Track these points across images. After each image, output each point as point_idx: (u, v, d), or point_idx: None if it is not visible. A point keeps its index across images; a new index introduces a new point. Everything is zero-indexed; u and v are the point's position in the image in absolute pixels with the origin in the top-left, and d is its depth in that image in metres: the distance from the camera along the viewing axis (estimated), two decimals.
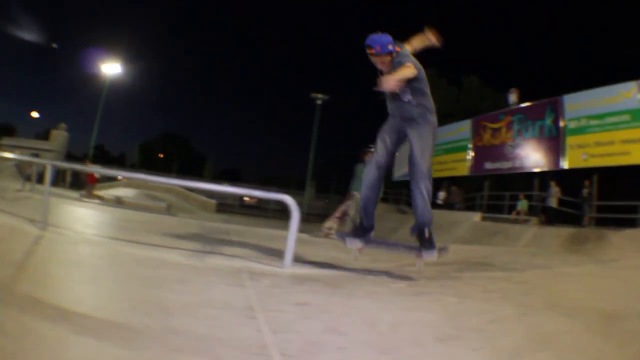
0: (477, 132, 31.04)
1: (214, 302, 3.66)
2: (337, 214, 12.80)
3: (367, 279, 5.95)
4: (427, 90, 6.62)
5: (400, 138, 6.52)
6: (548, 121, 25.96)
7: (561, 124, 25.07)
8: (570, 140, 24.47)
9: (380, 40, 6.07)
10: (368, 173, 6.39)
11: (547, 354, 3.37)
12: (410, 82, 6.19)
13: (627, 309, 5.29)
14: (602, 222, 21.24)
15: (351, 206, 12.06)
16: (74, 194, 21.11)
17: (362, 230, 6.40)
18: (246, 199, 58.93)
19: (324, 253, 8.09)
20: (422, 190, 6.26)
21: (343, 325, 3.46)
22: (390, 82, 5.57)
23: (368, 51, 6.14)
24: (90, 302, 3.32)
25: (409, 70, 5.94)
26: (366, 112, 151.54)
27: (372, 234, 6.57)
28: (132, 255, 5.26)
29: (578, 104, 24.34)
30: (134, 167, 79.78)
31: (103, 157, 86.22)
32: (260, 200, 55.74)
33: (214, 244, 7.28)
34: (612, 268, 11.21)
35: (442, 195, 31.25)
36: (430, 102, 6.67)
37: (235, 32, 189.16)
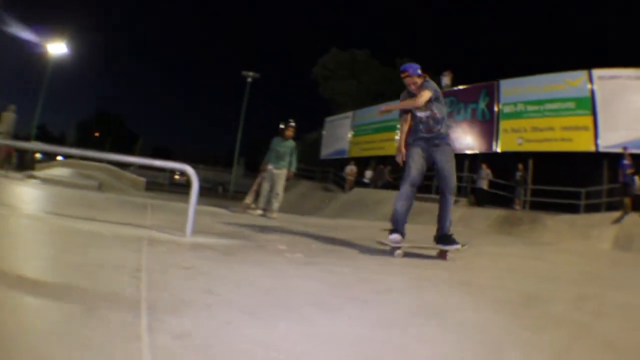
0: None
1: (109, 264, 3.89)
2: (254, 187, 12.70)
3: (266, 249, 6.08)
4: (446, 112, 7.80)
5: (429, 160, 7.49)
6: (482, 105, 26.30)
7: (495, 108, 25.41)
8: (505, 125, 24.88)
9: (412, 66, 7.44)
10: (404, 190, 7.29)
11: (435, 328, 3.22)
12: (432, 108, 7.37)
13: (551, 292, 5.21)
14: (537, 206, 21.60)
15: (266, 179, 11.90)
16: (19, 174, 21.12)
17: (400, 229, 7.11)
18: (176, 177, 58.98)
19: (233, 226, 8.33)
20: (451, 203, 7.53)
21: (219, 287, 3.54)
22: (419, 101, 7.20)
23: (402, 75, 7.45)
24: (16, 263, 3.60)
25: (428, 93, 7.20)
26: (296, 90, 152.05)
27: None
28: (55, 225, 5.66)
29: (515, 89, 24.73)
30: (71, 146, 78.92)
31: (45, 137, 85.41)
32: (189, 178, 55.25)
33: (129, 216, 7.61)
34: (545, 251, 11.40)
35: (369, 174, 31.94)
36: (449, 126, 7.86)
37: (169, 11, 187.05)
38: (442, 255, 7.31)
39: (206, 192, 40.83)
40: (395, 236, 6.92)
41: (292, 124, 12.02)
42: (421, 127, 7.53)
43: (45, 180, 16.29)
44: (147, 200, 12.03)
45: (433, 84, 7.44)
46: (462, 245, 7.43)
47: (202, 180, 21.23)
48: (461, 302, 4.16)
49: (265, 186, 11.77)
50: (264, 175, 12.05)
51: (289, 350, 2.41)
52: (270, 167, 11.81)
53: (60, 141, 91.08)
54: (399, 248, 6.83)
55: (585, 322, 3.85)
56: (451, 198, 7.52)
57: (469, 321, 3.52)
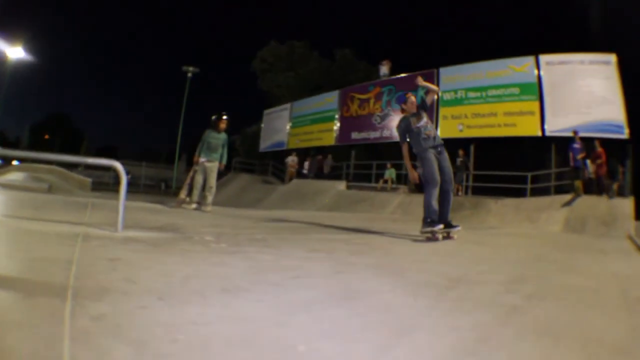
0: (344, 102, 31.76)
1: (47, 258, 4.09)
2: (188, 180, 12.62)
3: (193, 240, 6.12)
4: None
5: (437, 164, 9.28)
6: (421, 92, 26.00)
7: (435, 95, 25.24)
8: (444, 111, 25.28)
9: (402, 97, 10.23)
10: (434, 193, 8.95)
11: (344, 311, 3.20)
12: (423, 116, 9.77)
13: (483, 275, 5.17)
14: (482, 191, 21.97)
15: (198, 172, 11.82)
16: None
17: (436, 220, 8.72)
18: None
19: (166, 220, 8.40)
20: (452, 195, 9.29)
21: (139, 277, 3.70)
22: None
23: (402, 105, 10.16)
24: None
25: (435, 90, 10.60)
26: (236, 83, 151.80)
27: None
28: (5, 226, 5.86)
29: (456, 76, 25.15)
30: (25, 151, 78.20)
31: (2, 142, 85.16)
32: (133, 177, 56.33)
33: (70, 215, 7.77)
34: (487, 234, 11.53)
35: (307, 165, 32.19)
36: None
37: (109, 9, 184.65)
38: (449, 237, 9.04)
39: (149, 190, 41.23)
40: (440, 226, 8.55)
41: (225, 116, 11.96)
42: (424, 136, 9.36)
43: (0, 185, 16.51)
44: (90, 199, 11.91)
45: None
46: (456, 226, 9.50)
47: (145, 178, 22.15)
48: (380, 286, 4.08)
49: (199, 179, 11.66)
50: (196, 168, 11.96)
51: (191, 331, 2.53)
52: (202, 159, 11.72)
53: (15, 145, 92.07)
54: (441, 232, 8.62)
55: (517, 304, 3.78)
56: (452, 194, 9.34)
57: (382, 304, 3.48)
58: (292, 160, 31.68)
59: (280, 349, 2.41)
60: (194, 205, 11.51)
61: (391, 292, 3.90)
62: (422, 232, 8.53)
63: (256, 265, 4.66)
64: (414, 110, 9.74)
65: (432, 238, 8.41)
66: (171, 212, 10.32)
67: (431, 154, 9.15)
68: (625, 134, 19.37)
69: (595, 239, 12.23)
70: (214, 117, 11.90)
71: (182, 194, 12.33)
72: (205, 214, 10.92)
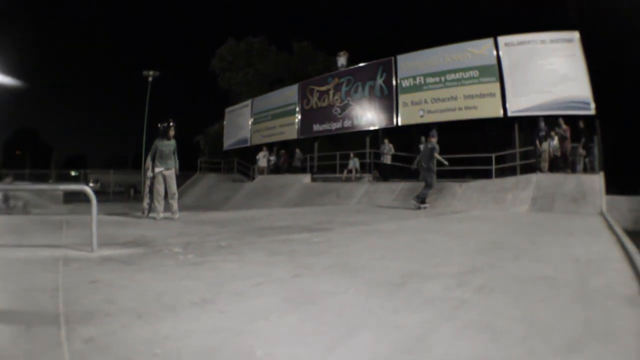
0: (304, 96, 32.36)
1: (36, 287, 4.42)
2: (147, 190, 12.70)
3: (162, 253, 6.49)
4: None
5: None
6: (379, 81, 27.17)
7: (394, 83, 26.23)
8: (404, 98, 25.75)
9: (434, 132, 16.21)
10: (433, 191, 15.26)
11: (299, 316, 3.55)
12: None
13: (436, 269, 5.42)
14: (447, 175, 21.34)
15: (158, 182, 11.89)
16: None
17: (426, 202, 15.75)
18: (91, 184, 58.52)
19: (136, 233, 8.77)
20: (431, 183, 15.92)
21: (118, 297, 4.08)
22: None
23: (432, 138, 16.23)
24: None
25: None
26: (197, 85, 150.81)
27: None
28: None
29: (414, 63, 25.55)
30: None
31: None
32: (103, 185, 57.60)
33: (48, 236, 8.11)
34: (449, 221, 11.76)
35: (273, 159, 32.46)
36: None
37: (67, 18, 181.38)
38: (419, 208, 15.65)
39: (119, 197, 41.30)
40: (426, 204, 15.43)
41: (172, 123, 12.07)
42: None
43: None
44: (62, 217, 11.89)
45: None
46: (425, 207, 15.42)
47: (114, 185, 22.22)
48: (335, 287, 4.38)
49: (160, 189, 11.75)
50: (153, 176, 12.02)
51: (168, 346, 2.93)
52: (159, 169, 11.78)
53: None
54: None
55: (465, 299, 4.04)
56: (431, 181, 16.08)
57: (335, 306, 3.77)
58: (263, 155, 31.85)
59: (241, 355, 2.77)
60: (161, 215, 11.63)
61: (344, 293, 4.21)
62: (422, 207, 15.71)
63: (221, 275, 5.02)
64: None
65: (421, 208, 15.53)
66: (139, 224, 10.52)
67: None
68: (592, 110, 19.75)
69: (564, 218, 12.53)
70: (162, 126, 11.96)
71: (144, 204, 12.47)
72: (173, 221, 11.15)
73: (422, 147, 21.62)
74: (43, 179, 49.11)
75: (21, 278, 4.83)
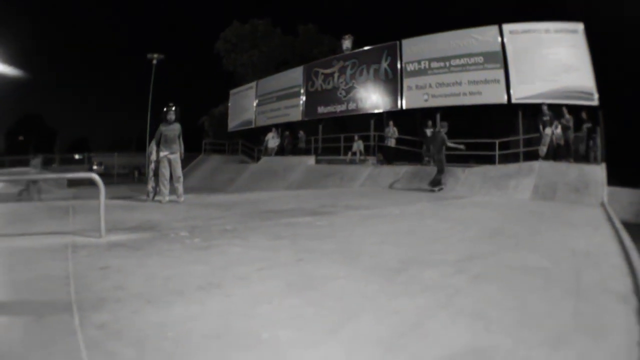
0: (309, 78, 32.09)
1: (46, 275, 4.47)
2: (151, 174, 12.73)
3: (169, 237, 6.59)
4: None
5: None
6: (384, 65, 27.11)
7: (399, 67, 26.17)
8: (409, 82, 25.65)
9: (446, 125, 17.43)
10: (446, 177, 16.12)
11: (300, 300, 3.74)
12: None
13: (435, 255, 5.55)
14: (451, 160, 20.28)
15: (164, 166, 11.91)
16: None
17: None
18: (95, 167, 58.37)
19: (142, 217, 8.82)
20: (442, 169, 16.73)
21: (128, 283, 4.22)
22: None
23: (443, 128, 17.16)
24: None
25: None
26: (201, 67, 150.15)
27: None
28: None
29: (419, 48, 25.49)
30: (1, 155, 77.57)
31: None
32: (106, 167, 56.90)
33: (55, 223, 7.99)
34: (450, 207, 11.80)
35: (277, 141, 32.32)
36: None
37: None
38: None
39: (123, 179, 41.40)
40: (442, 186, 16.38)
41: (174, 107, 12.07)
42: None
43: None
44: (66, 202, 11.93)
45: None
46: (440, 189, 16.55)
47: (119, 167, 22.03)
48: (336, 272, 4.55)
49: (165, 173, 11.79)
50: (158, 160, 12.03)
51: (180, 326, 3.17)
52: (164, 153, 11.80)
53: None
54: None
55: (461, 287, 4.19)
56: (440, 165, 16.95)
57: (335, 291, 3.96)
58: (272, 137, 31.66)
59: (247, 337, 2.97)
60: (167, 198, 11.70)
61: (345, 278, 4.38)
62: (437, 189, 16.51)
63: (226, 259, 5.16)
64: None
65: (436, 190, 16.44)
66: (145, 207, 10.61)
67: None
68: (595, 101, 19.76)
69: (565, 207, 12.53)
70: (164, 110, 11.98)
71: (149, 187, 12.56)
72: (179, 205, 11.26)
73: (428, 132, 21.73)
74: (47, 163, 49.12)
75: (30, 267, 4.87)
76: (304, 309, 3.51)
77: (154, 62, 45.81)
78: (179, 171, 11.88)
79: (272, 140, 31.05)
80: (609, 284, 4.53)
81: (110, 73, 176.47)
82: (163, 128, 11.79)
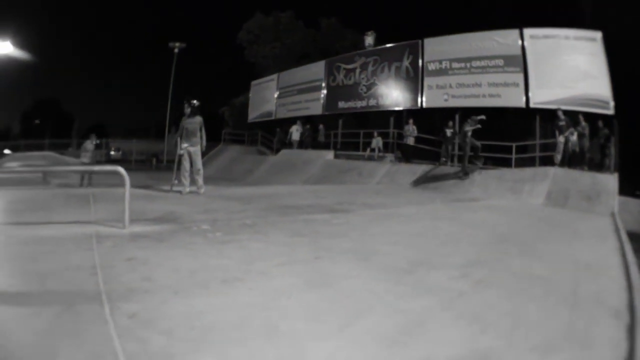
0: (331, 72, 32.11)
1: (72, 265, 4.66)
2: (176, 167, 12.95)
3: (191, 230, 6.85)
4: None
5: None
6: (406, 62, 27.16)
7: (420, 66, 26.26)
8: (429, 81, 25.76)
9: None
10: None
11: (316, 296, 4.07)
12: None
13: (443, 258, 5.87)
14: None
15: (185, 158, 12.15)
16: None
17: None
18: (112, 153, 58.58)
19: (164, 208, 8.99)
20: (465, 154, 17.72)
21: (155, 274, 4.49)
22: None
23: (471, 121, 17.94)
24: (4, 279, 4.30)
25: None
26: (223, 56, 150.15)
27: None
28: (17, 237, 5.96)
29: (441, 47, 25.57)
30: (16, 139, 77.55)
31: None
32: (124, 153, 57.52)
33: (76, 212, 8.17)
34: (464, 209, 11.95)
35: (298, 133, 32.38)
36: None
37: None
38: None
39: (141, 166, 41.59)
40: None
41: (193, 101, 12.28)
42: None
43: None
44: (87, 190, 12.25)
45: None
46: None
47: (137, 153, 21.78)
48: (350, 271, 4.88)
49: (186, 165, 12.01)
50: (181, 152, 12.26)
51: (206, 316, 3.48)
52: (185, 145, 12.04)
53: (6, 135, 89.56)
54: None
55: (464, 290, 4.51)
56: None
57: (348, 289, 4.30)
58: (296, 129, 31.31)
59: (267, 329, 3.30)
60: (187, 190, 11.96)
61: (358, 277, 4.71)
62: (464, 177, 17.76)
63: (248, 255, 5.45)
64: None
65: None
66: (166, 198, 10.89)
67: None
68: (611, 110, 19.85)
69: (576, 215, 12.58)
70: (185, 104, 12.23)
71: (174, 179, 12.83)
72: (199, 196, 11.56)
73: (448, 132, 21.96)
74: (64, 147, 49.35)
75: (57, 257, 4.99)
76: (320, 304, 3.85)
77: (176, 50, 46.23)
78: (199, 163, 12.17)
79: (296, 133, 30.95)
80: (604, 297, 4.72)
81: (131, 60, 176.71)
82: (184, 122, 12.11)
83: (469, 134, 17.35)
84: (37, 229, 6.48)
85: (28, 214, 7.77)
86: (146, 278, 4.36)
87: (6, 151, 44.38)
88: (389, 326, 3.47)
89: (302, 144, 30.77)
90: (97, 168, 8.46)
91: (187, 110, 12.15)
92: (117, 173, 7.01)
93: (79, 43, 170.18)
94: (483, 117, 18.04)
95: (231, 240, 6.23)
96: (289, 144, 31.14)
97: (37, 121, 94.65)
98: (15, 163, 28.58)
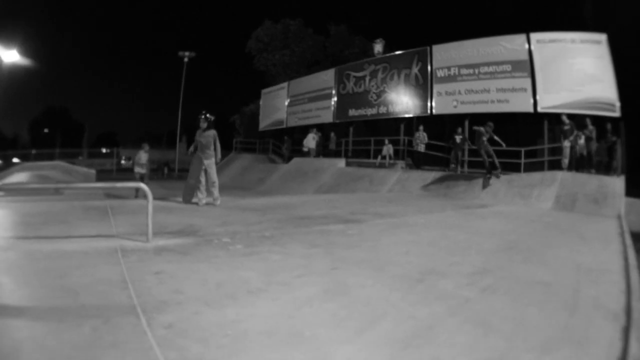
0: (341, 80, 32.86)
1: (103, 280, 4.89)
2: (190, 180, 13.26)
3: (212, 244, 7.17)
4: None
5: None
6: (415, 70, 27.56)
7: (429, 72, 26.65)
8: (438, 88, 26.19)
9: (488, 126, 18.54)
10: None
11: (335, 304, 4.43)
12: None
13: (452, 267, 6.24)
14: (477, 166, 21.94)
15: (200, 171, 12.45)
16: None
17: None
18: (122, 162, 58.77)
19: (183, 221, 9.31)
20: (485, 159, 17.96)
21: (184, 287, 4.79)
22: None
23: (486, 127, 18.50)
24: (18, 295, 4.49)
25: None
26: (233, 64, 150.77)
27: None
28: (40, 251, 6.09)
29: (448, 54, 25.98)
30: (25, 147, 77.72)
31: (1, 143, 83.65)
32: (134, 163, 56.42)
33: (97, 225, 8.34)
34: (473, 216, 12.17)
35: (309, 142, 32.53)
36: None
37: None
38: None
39: (153, 175, 41.86)
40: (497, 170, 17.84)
41: (208, 115, 12.62)
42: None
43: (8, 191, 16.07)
44: (103, 202, 12.36)
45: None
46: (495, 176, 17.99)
47: (148, 162, 21.17)
48: (365, 280, 5.26)
49: (201, 178, 12.40)
50: (197, 167, 12.56)
51: (236, 325, 3.80)
52: (204, 160, 12.36)
53: (13, 143, 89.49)
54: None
55: (470, 297, 4.87)
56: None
57: (364, 297, 4.68)
58: (312, 138, 31.51)
59: (293, 335, 3.66)
60: (204, 201, 12.25)
61: (372, 286, 5.09)
62: (494, 174, 18.15)
63: (269, 266, 5.80)
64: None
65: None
66: (183, 210, 11.21)
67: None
68: (617, 112, 20.19)
69: (583, 219, 12.83)
70: (200, 117, 12.57)
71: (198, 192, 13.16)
72: (215, 208, 11.88)
73: (457, 138, 22.28)
74: (74, 156, 49.78)
75: (85, 271, 5.18)
76: (338, 312, 4.23)
77: (185, 59, 46.76)
78: (214, 176, 12.52)
79: (312, 141, 31.14)
80: (603, 301, 5.00)
81: (142, 69, 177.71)
82: (199, 135, 12.44)
83: (485, 141, 17.73)
84: (59, 243, 6.68)
85: (47, 228, 7.93)
86: (176, 290, 4.65)
87: (15, 160, 44.56)
88: (401, 331, 3.86)
89: (329, 152, 31.04)
90: (119, 184, 8.66)
91: (204, 125, 12.43)
92: (140, 189, 7.37)
93: (88, 51, 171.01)
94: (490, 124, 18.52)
95: (252, 253, 6.58)
96: (306, 153, 31.23)
97: (46, 130, 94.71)
98: (25, 173, 28.89)
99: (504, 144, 18.39)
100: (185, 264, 5.84)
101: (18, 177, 27.36)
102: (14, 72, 41.01)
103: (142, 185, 7.32)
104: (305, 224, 9.53)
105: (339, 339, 3.65)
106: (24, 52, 38.45)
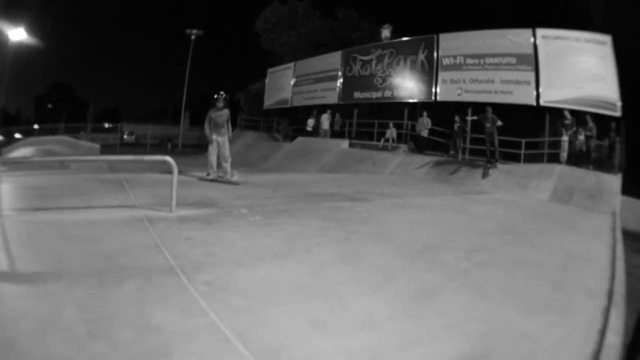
0: (347, 63, 32.49)
1: (136, 245, 5.30)
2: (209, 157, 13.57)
3: (232, 214, 7.67)
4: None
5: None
6: (421, 56, 27.67)
7: (435, 60, 26.82)
8: (444, 76, 26.36)
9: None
10: None
11: (351, 268, 5.14)
12: None
13: (452, 243, 6.88)
14: (478, 154, 22.35)
15: (214, 147, 12.84)
16: None
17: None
18: (125, 137, 58.52)
19: (200, 194, 9.71)
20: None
21: (214, 251, 5.31)
22: None
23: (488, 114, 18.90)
24: (52, 262, 4.66)
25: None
26: (239, 42, 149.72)
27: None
28: (66, 220, 6.31)
29: (456, 43, 26.15)
30: (29, 123, 77.10)
31: (4, 118, 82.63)
32: (138, 137, 58.03)
33: (116, 196, 8.64)
34: (473, 201, 12.45)
35: (311, 122, 32.87)
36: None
37: None
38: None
39: (156, 150, 41.51)
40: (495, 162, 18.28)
41: (224, 95, 13.20)
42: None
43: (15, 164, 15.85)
44: (116, 175, 12.49)
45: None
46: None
47: (151, 138, 21.80)
48: (376, 250, 5.95)
49: (214, 154, 12.75)
50: (211, 147, 12.94)
51: (268, 282, 4.43)
52: (214, 136, 12.79)
53: (16, 119, 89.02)
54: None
55: (467, 268, 5.57)
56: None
57: (376, 263, 5.38)
58: (327, 118, 31.52)
59: (318, 290, 4.35)
60: (218, 176, 12.78)
61: (383, 255, 5.80)
62: (490, 166, 18.31)
63: (289, 235, 6.41)
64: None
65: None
66: (199, 184, 11.69)
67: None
68: (618, 112, 20.41)
69: (578, 212, 13.12)
70: (215, 96, 12.96)
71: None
72: (230, 183, 12.37)
73: (456, 125, 22.63)
74: (78, 131, 49.65)
75: (117, 237, 5.53)
76: (355, 274, 4.93)
77: (193, 37, 46.94)
78: (227, 152, 13.03)
79: (326, 122, 31.22)
80: (587, 283, 5.57)
81: (148, 46, 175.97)
82: (213, 114, 12.92)
83: (488, 128, 18.53)
84: (83, 213, 6.89)
85: (65, 199, 7.99)
86: (208, 254, 5.15)
87: (17, 135, 44.27)
88: (411, 290, 4.59)
89: (316, 133, 31.25)
90: (146, 158, 8.95)
91: (220, 104, 12.88)
92: (166, 162, 7.61)
93: (94, 27, 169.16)
94: (475, 117, 19.98)
95: (270, 224, 7.11)
96: (310, 132, 31.65)
97: (49, 105, 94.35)
98: (29, 148, 28.82)
99: (500, 122, 18.81)
100: (212, 231, 6.33)
101: (23, 152, 27.18)
102: (20, 49, 40.99)
103: (168, 159, 7.74)
104: (315, 200, 10.18)
105: (358, 294, 4.33)
106: (31, 30, 38.41)
